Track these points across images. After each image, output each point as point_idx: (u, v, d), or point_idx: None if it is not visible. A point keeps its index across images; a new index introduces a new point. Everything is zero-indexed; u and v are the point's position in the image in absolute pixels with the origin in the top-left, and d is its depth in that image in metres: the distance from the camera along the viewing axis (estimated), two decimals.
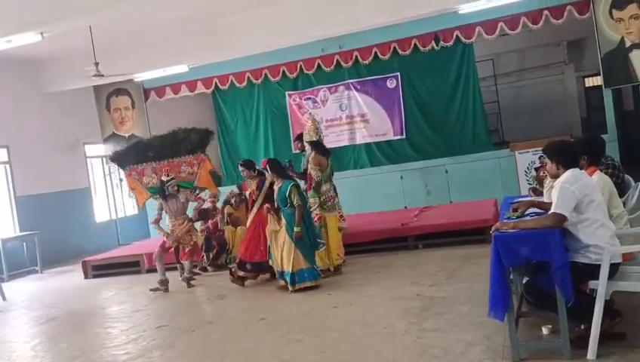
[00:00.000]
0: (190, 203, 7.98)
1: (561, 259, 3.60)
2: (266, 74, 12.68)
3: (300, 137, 8.26)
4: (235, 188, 9.25)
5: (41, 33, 7.81)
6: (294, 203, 6.41)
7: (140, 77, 12.00)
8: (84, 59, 9.65)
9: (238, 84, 12.97)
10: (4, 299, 8.36)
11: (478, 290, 5.31)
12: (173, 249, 7.78)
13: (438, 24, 11.03)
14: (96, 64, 9.31)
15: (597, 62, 10.33)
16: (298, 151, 8.34)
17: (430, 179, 11.41)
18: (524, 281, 4.22)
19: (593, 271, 3.68)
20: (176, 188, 7.62)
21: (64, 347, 5.66)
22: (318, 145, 7.28)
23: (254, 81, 12.90)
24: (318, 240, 6.76)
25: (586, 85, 15.06)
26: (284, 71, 12.55)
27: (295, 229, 6.39)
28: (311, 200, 7.12)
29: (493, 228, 3.93)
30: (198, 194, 8.23)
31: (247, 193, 7.28)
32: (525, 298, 4.12)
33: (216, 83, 13.00)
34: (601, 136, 5.48)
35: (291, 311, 5.86)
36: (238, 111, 13.93)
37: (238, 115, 13.97)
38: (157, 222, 7.65)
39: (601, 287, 3.61)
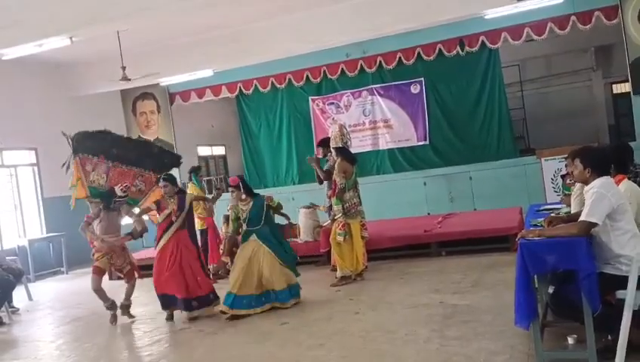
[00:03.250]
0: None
1: (588, 268, 3.53)
2: (289, 79, 12.74)
3: (322, 142, 8.26)
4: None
5: (71, 38, 7.96)
6: (277, 207, 6.38)
7: (166, 81, 12.15)
8: (111, 64, 9.82)
9: (262, 89, 13.05)
10: (30, 298, 8.50)
11: (502, 299, 5.25)
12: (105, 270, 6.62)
13: (464, 29, 10.97)
14: (124, 68, 9.47)
15: (625, 68, 10.18)
16: (321, 157, 8.34)
17: (454, 185, 11.33)
18: (549, 290, 4.15)
19: (621, 282, 3.60)
20: (123, 206, 6.69)
21: (88, 347, 5.74)
22: (344, 152, 7.25)
23: (278, 86, 12.97)
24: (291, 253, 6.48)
25: (614, 92, 14.79)
26: (307, 76, 12.60)
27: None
28: (335, 207, 7.10)
29: (519, 236, 3.88)
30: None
31: (167, 212, 6.30)
32: (551, 307, 4.06)
33: (240, 88, 13.10)
34: (629, 143, 5.37)
35: (313, 316, 5.85)
36: (262, 115, 14.01)
37: (261, 119, 14.05)
38: (87, 226, 6.46)
39: (629, 297, 3.53)
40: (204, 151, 15.69)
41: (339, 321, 5.57)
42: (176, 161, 7.51)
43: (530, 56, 14.11)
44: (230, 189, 6.27)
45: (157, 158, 7.29)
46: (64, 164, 6.96)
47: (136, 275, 6.80)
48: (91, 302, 7.04)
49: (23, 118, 10.81)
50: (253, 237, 6.16)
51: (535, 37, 10.63)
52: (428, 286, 6.37)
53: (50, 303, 8.44)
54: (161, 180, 6.45)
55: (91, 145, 7.06)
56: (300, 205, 9.20)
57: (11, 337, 6.78)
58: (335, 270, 7.32)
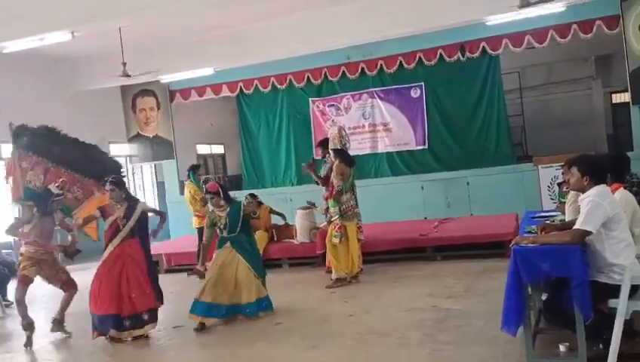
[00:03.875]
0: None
1: (581, 276, 3.56)
2: (290, 79, 12.75)
3: (321, 143, 8.28)
4: (247, 196, 9.31)
5: (72, 32, 7.96)
6: (252, 214, 6.26)
7: (167, 78, 12.15)
8: (112, 60, 9.81)
9: (262, 89, 13.05)
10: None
11: (495, 305, 5.22)
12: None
13: (465, 35, 10.99)
14: (124, 64, 9.48)
15: (625, 78, 10.20)
16: (319, 158, 8.36)
17: (451, 190, 11.35)
18: (543, 297, 4.17)
19: (614, 290, 3.62)
20: (59, 208, 6.10)
21: (82, 342, 5.74)
22: (342, 154, 7.26)
23: (279, 87, 12.98)
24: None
25: (614, 101, 14.83)
26: (308, 77, 12.62)
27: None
28: (331, 209, 7.11)
29: (513, 242, 3.90)
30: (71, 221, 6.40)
31: (112, 219, 5.74)
32: (543, 314, 4.08)
33: (241, 87, 13.11)
34: (627, 153, 5.40)
35: (307, 317, 5.87)
36: (262, 115, 14.01)
37: (261, 119, 14.06)
38: (16, 229, 5.91)
39: (621, 306, 3.55)
40: (203, 149, 15.70)
41: (333, 323, 5.59)
42: (117, 168, 6.90)
43: (530, 64, 14.14)
44: (209, 196, 6.03)
45: (99, 164, 6.68)
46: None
47: (70, 290, 6.11)
48: (83, 299, 7.03)
49: (22, 111, 10.76)
50: (228, 244, 5.96)
51: (536, 44, 10.66)
52: (422, 290, 6.39)
53: (44, 297, 8.41)
54: (108, 183, 5.76)
55: (34, 141, 6.42)
56: (298, 206, 9.22)
57: (5, 330, 6.80)
58: (330, 272, 7.33)
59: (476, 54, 11.21)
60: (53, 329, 6.03)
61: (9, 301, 7.76)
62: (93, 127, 12.50)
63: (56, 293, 6.35)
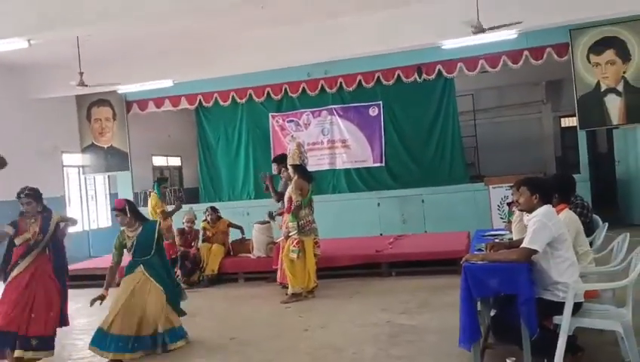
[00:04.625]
0: None
1: (527, 293, 3.71)
2: (250, 94, 12.79)
3: (277, 159, 8.33)
4: (209, 209, 9.28)
5: (29, 40, 7.81)
6: (162, 239, 5.62)
7: (124, 89, 11.99)
8: (68, 69, 9.63)
9: (222, 103, 13.04)
10: None
11: (448, 320, 5.39)
12: None
13: (422, 57, 11.29)
14: (81, 74, 9.31)
15: (574, 103, 10.66)
16: (276, 173, 8.40)
17: (406, 207, 11.55)
18: (491, 313, 4.32)
19: (559, 307, 3.78)
20: None
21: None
22: (301, 170, 7.32)
23: (238, 101, 12.99)
24: (179, 289, 5.85)
25: (562, 125, 15.48)
26: (269, 92, 12.68)
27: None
28: (289, 224, 7.15)
29: (463, 259, 4.04)
30: None
31: (28, 235, 5.25)
32: (492, 330, 4.22)
33: (200, 100, 13.06)
34: (573, 175, 5.66)
35: (262, 332, 5.87)
36: (221, 129, 13.97)
37: (220, 132, 14.01)
38: None
39: (564, 323, 3.71)
40: (159, 161, 15.50)
41: (288, 338, 5.61)
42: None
43: (483, 87, 14.61)
44: (115, 213, 5.56)
45: None
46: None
47: None
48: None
49: None
50: (140, 268, 5.41)
51: (489, 69, 11.06)
52: (377, 306, 6.48)
53: None
54: (24, 195, 5.28)
55: None
56: (255, 220, 9.22)
57: None
58: (285, 287, 7.35)
59: (432, 76, 11.53)
60: None
61: None
62: (46, 136, 12.26)
63: None
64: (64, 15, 7.46)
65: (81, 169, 13.45)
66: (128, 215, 5.45)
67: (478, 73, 11.32)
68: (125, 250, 5.57)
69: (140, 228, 5.48)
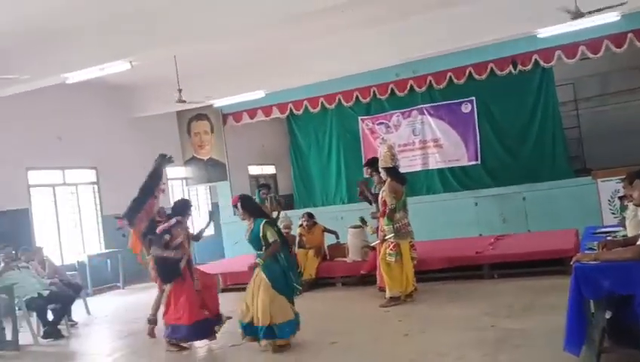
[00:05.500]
0: None
1: None
2: (339, 99, 12.82)
3: (369, 162, 8.28)
4: (305, 214, 9.41)
5: (130, 62, 8.32)
6: (270, 241, 5.67)
7: (219, 102, 12.48)
8: (167, 86, 10.17)
9: (312, 109, 13.19)
10: (88, 313, 8.81)
11: (556, 323, 5.05)
12: None
13: (516, 48, 10.81)
14: (180, 91, 9.80)
15: None
16: (368, 177, 8.36)
17: (506, 206, 11.12)
18: (607, 315, 4.03)
19: None
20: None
21: (144, 361, 5.89)
22: (394, 172, 7.23)
23: (328, 106, 13.07)
24: (296, 285, 5.92)
25: None
26: (357, 96, 12.65)
27: (257, 260, 5.69)
28: (385, 227, 7.09)
29: (574, 259, 3.81)
30: None
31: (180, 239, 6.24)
32: (608, 333, 3.93)
33: (291, 108, 13.28)
34: None
35: (362, 336, 5.85)
36: (312, 135, 14.16)
37: (311, 139, 14.21)
38: None
39: None
40: (254, 170, 15.97)
41: (388, 343, 5.55)
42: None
43: (585, 75, 13.79)
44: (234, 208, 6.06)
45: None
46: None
47: None
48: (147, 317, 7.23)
49: (84, 138, 11.32)
50: (258, 261, 5.75)
51: (590, 55, 10.37)
52: (479, 309, 6.26)
53: (107, 317, 8.73)
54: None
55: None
56: (349, 224, 9.23)
57: (70, 350, 7.04)
58: (382, 291, 7.29)
59: (528, 67, 10.99)
60: None
61: (74, 321, 8.06)
62: (152, 152, 12.90)
63: None
64: (160, 35, 7.89)
65: (184, 181, 14.12)
66: (240, 210, 5.87)
67: (578, 60, 10.66)
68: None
69: (253, 224, 5.82)
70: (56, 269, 8.40)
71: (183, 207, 6.44)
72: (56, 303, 7.52)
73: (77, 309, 8.45)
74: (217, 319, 6.21)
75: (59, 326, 7.49)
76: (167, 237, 6.03)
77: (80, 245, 11.40)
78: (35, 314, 7.31)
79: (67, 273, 8.74)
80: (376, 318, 6.58)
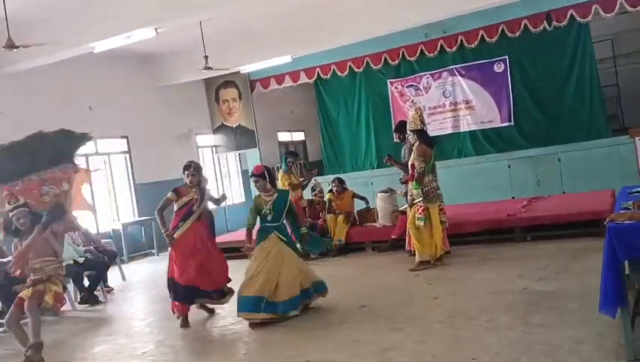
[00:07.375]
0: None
1: None
2: (367, 62, 12.63)
3: (398, 127, 8.16)
4: (335, 180, 9.35)
5: (156, 29, 8.29)
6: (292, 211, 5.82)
7: (246, 69, 12.40)
8: (194, 53, 10.15)
9: (340, 73, 13.02)
10: (124, 279, 9.02)
11: (590, 286, 4.98)
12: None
13: (550, 3, 10.44)
14: (206, 57, 9.76)
15: None
16: (398, 141, 8.24)
17: (541, 168, 10.88)
18: None
19: None
20: (28, 220, 5.20)
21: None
22: (423, 135, 7.10)
23: (356, 70, 12.89)
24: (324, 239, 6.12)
25: None
26: (385, 58, 12.43)
27: (302, 230, 5.89)
28: (414, 191, 6.99)
29: (607, 219, 3.67)
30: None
31: (187, 199, 5.95)
32: None
33: (318, 73, 13.14)
34: None
35: (392, 300, 5.83)
36: (340, 100, 14.01)
37: (339, 104, 14.06)
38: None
39: None
40: (283, 136, 15.93)
41: (417, 306, 5.53)
42: (77, 139, 6.09)
43: (624, 30, 13.19)
44: (253, 179, 5.81)
45: (48, 148, 5.76)
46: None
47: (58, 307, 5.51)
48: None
49: (114, 107, 11.40)
50: (275, 233, 5.70)
51: (629, 8, 9.88)
52: (511, 273, 6.16)
53: (141, 283, 8.93)
54: (192, 168, 5.99)
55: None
56: (378, 189, 9.16)
57: (106, 315, 7.24)
58: (412, 255, 7.24)
59: (564, 23, 10.58)
60: (27, 353, 4.89)
61: (110, 287, 8.28)
62: (181, 120, 13.06)
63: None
64: (186, 1, 7.81)
65: (214, 149, 14.20)
66: (268, 179, 5.76)
67: (616, 14, 10.19)
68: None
69: (276, 195, 5.78)
70: (91, 237, 8.58)
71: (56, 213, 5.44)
72: (92, 270, 7.72)
73: (113, 276, 8.67)
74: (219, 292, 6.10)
75: (95, 293, 7.71)
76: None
77: (114, 213, 11.61)
78: (71, 280, 7.50)
79: (102, 241, 8.92)
80: (405, 282, 6.55)
